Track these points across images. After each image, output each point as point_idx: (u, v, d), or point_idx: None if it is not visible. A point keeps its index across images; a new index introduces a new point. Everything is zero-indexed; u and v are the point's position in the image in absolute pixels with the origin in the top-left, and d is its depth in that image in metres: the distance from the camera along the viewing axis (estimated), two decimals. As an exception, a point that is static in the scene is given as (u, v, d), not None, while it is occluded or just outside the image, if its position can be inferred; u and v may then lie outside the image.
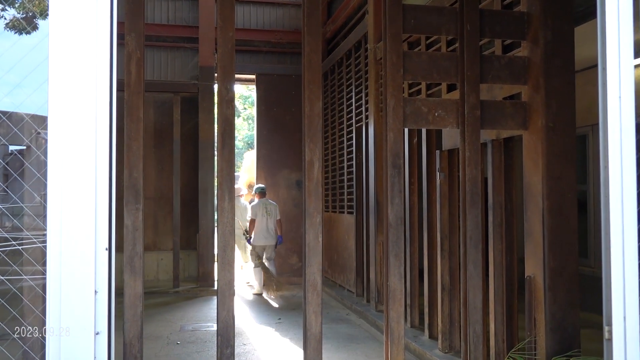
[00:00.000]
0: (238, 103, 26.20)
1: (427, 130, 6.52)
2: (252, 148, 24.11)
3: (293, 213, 11.59)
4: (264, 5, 12.19)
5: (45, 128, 2.07)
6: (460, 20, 4.57)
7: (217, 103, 4.07)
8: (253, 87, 13.33)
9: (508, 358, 4.66)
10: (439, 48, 6.19)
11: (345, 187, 9.98)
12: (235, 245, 7.89)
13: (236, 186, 12.08)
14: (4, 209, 2.74)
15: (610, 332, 2.44)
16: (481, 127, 4.59)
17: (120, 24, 2.27)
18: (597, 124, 2.50)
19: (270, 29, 12.07)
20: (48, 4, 2.01)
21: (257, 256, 10.34)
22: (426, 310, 6.41)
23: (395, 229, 4.31)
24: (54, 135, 2.02)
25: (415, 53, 4.65)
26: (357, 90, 9.36)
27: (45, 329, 1.98)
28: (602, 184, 2.47)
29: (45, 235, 2.03)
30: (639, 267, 2.45)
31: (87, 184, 2.03)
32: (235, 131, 10.82)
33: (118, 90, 2.21)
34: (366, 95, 8.79)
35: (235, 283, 4.25)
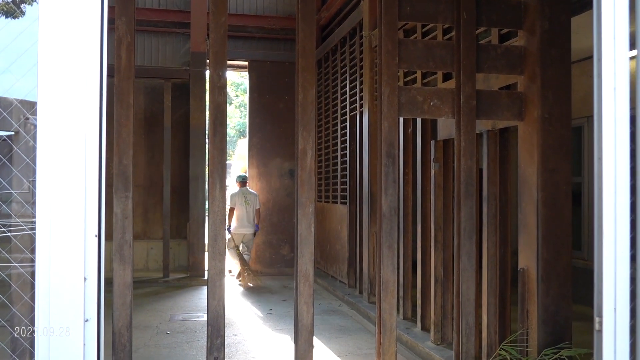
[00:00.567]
0: (230, 90, 26.07)
1: (422, 120, 6.46)
2: (244, 136, 24.05)
3: (285, 202, 11.54)
4: (258, -8, 12.07)
5: (34, 114, 2.01)
6: (457, 8, 4.51)
7: (209, 90, 4.01)
8: (245, 73, 13.23)
9: (500, 350, 4.65)
10: (435, 36, 6.13)
11: (339, 176, 9.93)
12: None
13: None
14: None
15: (600, 323, 2.46)
16: (477, 117, 4.55)
17: (110, 8, 2.21)
18: (593, 115, 2.48)
19: (263, 15, 11.94)
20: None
21: (234, 244, 10.32)
22: (419, 302, 6.39)
23: (389, 219, 4.27)
24: (43, 121, 1.98)
25: (410, 41, 4.59)
26: (351, 78, 9.28)
27: (34, 315, 1.95)
28: (595, 176, 2.48)
29: (33, 222, 1.99)
30: (630, 259, 2.46)
31: (77, 170, 2.01)
32: (227, 119, 10.75)
33: (108, 75, 2.15)
34: (361, 83, 8.73)
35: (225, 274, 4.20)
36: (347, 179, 9.30)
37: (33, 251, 2.01)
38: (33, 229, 2.00)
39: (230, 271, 11.33)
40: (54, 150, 1.98)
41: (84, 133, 2.01)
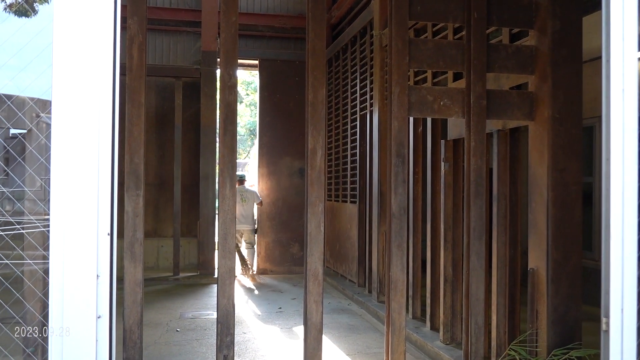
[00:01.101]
0: (241, 89, 26.12)
1: (432, 119, 6.46)
2: (254, 135, 24.08)
3: (295, 201, 11.56)
4: (268, -10, 12.09)
5: (46, 112, 2.04)
6: (468, 7, 4.50)
7: (220, 89, 4.03)
8: (256, 72, 13.24)
9: (509, 350, 4.64)
10: (446, 36, 6.12)
11: (349, 175, 9.93)
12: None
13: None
14: (8, 193, 2.72)
15: (607, 324, 2.47)
16: (487, 117, 4.54)
17: (122, 7, 2.23)
18: (603, 116, 2.49)
19: (274, 14, 11.96)
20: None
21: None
22: (428, 301, 6.39)
23: (398, 219, 4.28)
24: (57, 120, 2.01)
25: (421, 40, 4.59)
26: (362, 77, 9.28)
27: (47, 312, 1.97)
28: (603, 177, 2.49)
29: (46, 219, 2.02)
30: (638, 260, 2.46)
31: (90, 168, 2.04)
32: (238, 117, 10.82)
33: (120, 74, 2.17)
34: (371, 82, 8.72)
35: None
36: (357, 178, 9.30)
37: (46, 248, 2.03)
38: (46, 226, 2.03)
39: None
40: (68, 149, 2.01)
41: (97, 132, 2.04)
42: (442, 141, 5.97)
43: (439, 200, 6.18)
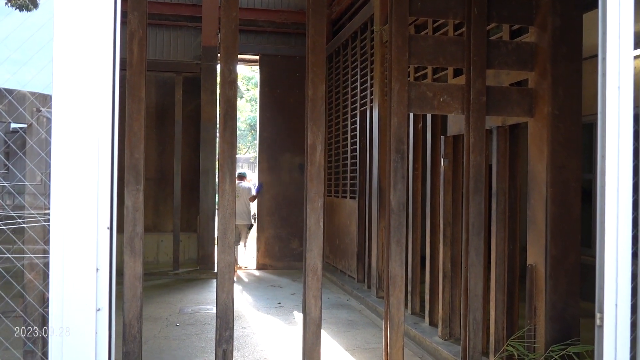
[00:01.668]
0: (241, 84, 26.10)
1: (432, 116, 6.46)
2: (254, 130, 24.07)
3: (295, 197, 11.58)
4: (269, -14, 12.07)
5: (47, 106, 2.05)
6: (468, 4, 4.50)
7: (220, 84, 4.03)
8: (256, 68, 13.24)
9: (507, 346, 4.66)
10: (446, 32, 6.12)
11: (349, 171, 9.94)
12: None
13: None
14: (9, 187, 2.73)
15: (601, 319, 2.49)
16: (487, 114, 4.55)
17: (123, 2, 2.23)
18: (601, 113, 2.50)
19: (274, 9, 11.95)
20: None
21: None
22: (427, 297, 6.41)
23: (398, 215, 4.29)
24: (57, 115, 2.02)
25: (421, 37, 4.59)
26: (362, 73, 9.28)
27: (47, 305, 1.99)
28: (599, 173, 2.51)
29: (46, 214, 2.03)
30: (632, 256, 2.48)
31: (90, 162, 2.05)
32: (238, 113, 10.80)
33: (120, 69, 2.18)
34: (371, 78, 8.72)
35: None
36: (357, 174, 9.31)
37: (47, 242, 2.05)
38: (47, 220, 2.04)
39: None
40: (68, 144, 2.02)
41: (97, 127, 2.05)
42: (442, 137, 5.98)
43: (438, 196, 6.19)
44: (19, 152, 2.67)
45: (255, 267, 11.65)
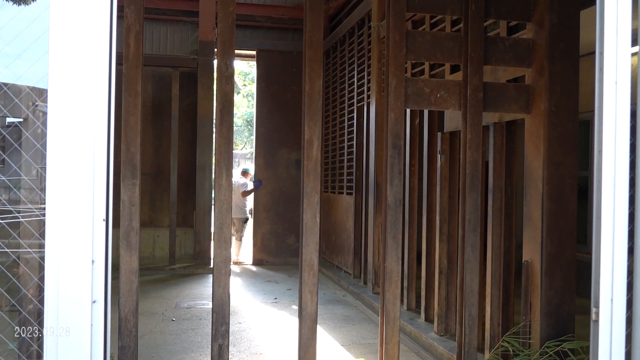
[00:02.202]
0: (238, 79, 26.05)
1: (429, 112, 6.47)
2: (251, 126, 24.04)
3: (292, 192, 11.57)
4: (266, -19, 12.04)
5: (42, 100, 2.04)
6: (465, 0, 4.50)
7: (216, 79, 4.02)
8: (253, 63, 13.21)
9: (502, 341, 4.67)
10: (444, 28, 6.11)
11: (345, 167, 9.94)
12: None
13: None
14: (6, 180, 2.73)
15: (597, 314, 2.51)
16: (484, 110, 4.55)
17: (119, -5, 2.22)
18: (598, 109, 2.51)
19: (272, 4, 11.92)
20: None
21: None
22: (423, 293, 6.42)
23: (394, 210, 4.29)
24: (53, 108, 2.02)
25: (418, 32, 4.59)
26: (359, 69, 9.27)
27: (43, 297, 1.99)
28: (595, 168, 2.52)
29: (42, 208, 2.03)
30: (628, 252, 2.49)
31: (85, 156, 2.05)
32: (235, 108, 10.78)
33: (116, 63, 2.17)
34: (368, 74, 8.71)
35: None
36: (354, 170, 9.31)
37: (42, 235, 2.05)
38: (43, 214, 2.04)
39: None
40: (64, 137, 2.02)
41: (93, 121, 2.05)
42: (439, 133, 5.98)
43: (434, 192, 6.19)
44: (15, 144, 2.66)
45: (251, 262, 11.66)
